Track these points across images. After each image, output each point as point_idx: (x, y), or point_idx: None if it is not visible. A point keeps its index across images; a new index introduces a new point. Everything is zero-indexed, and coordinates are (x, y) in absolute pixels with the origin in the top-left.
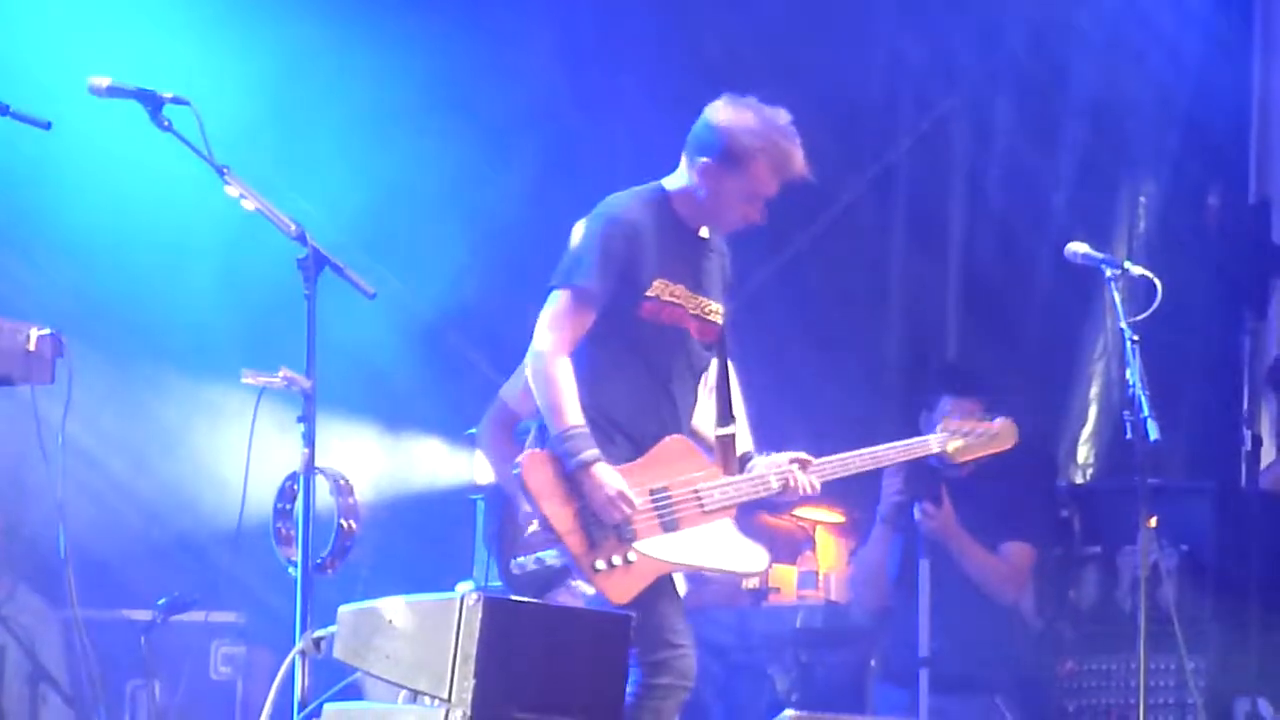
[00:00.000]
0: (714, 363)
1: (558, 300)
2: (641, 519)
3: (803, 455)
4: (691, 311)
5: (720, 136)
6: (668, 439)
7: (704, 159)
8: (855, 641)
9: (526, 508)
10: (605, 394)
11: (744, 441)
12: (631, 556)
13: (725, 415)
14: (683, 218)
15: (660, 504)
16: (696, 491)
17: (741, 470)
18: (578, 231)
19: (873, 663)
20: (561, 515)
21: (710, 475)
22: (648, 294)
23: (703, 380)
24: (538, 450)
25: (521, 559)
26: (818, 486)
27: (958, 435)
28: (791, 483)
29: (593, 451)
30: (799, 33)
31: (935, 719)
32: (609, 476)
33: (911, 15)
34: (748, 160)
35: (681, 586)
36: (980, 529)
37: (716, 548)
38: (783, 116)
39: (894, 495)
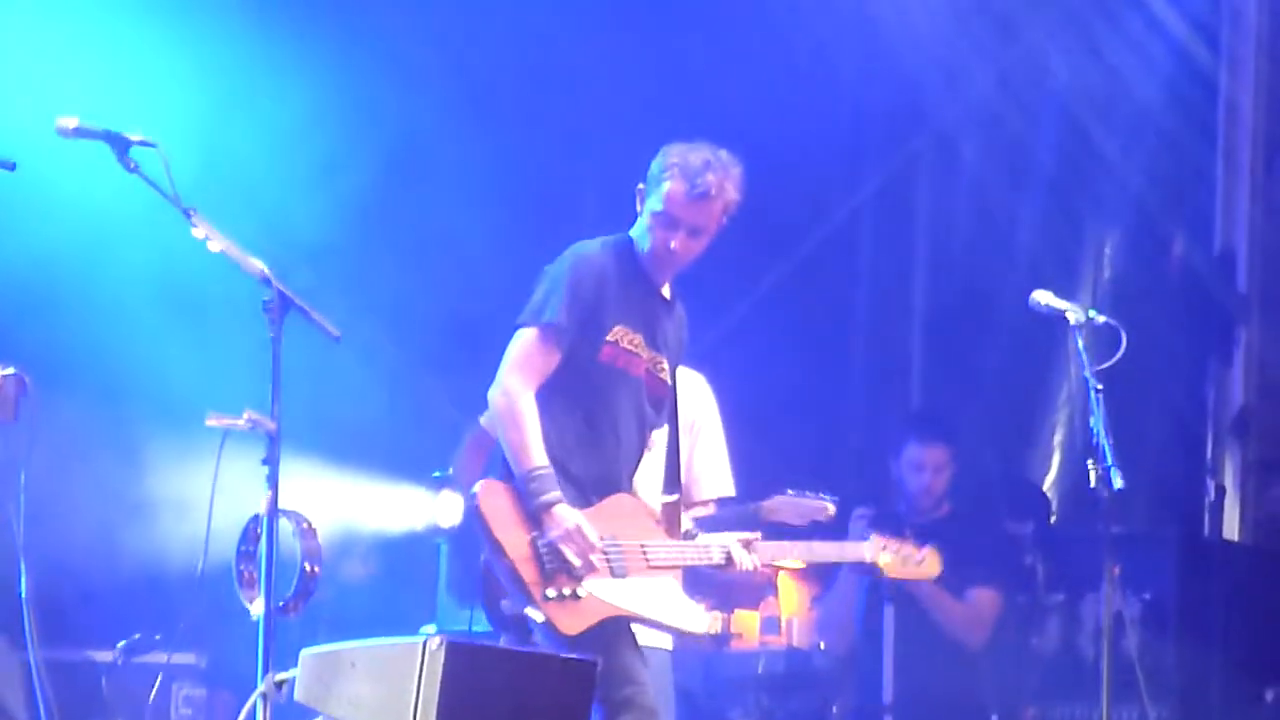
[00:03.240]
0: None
1: (525, 337)
2: (594, 560)
3: (748, 536)
4: (646, 364)
5: (654, 163)
6: (618, 496)
7: (640, 186)
8: (817, 687)
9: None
10: (561, 437)
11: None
12: (581, 592)
13: (672, 483)
14: (645, 270)
15: (610, 551)
16: (643, 546)
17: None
18: (547, 273)
19: (834, 708)
20: (516, 542)
21: (656, 534)
22: (608, 338)
23: (650, 442)
24: (494, 479)
25: (509, 600)
26: (759, 565)
27: (888, 550)
28: (734, 558)
29: (555, 494)
30: (767, 75)
31: None
32: (573, 515)
33: (878, 59)
34: (662, 178)
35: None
36: (946, 575)
37: (661, 601)
38: (719, 152)
39: None
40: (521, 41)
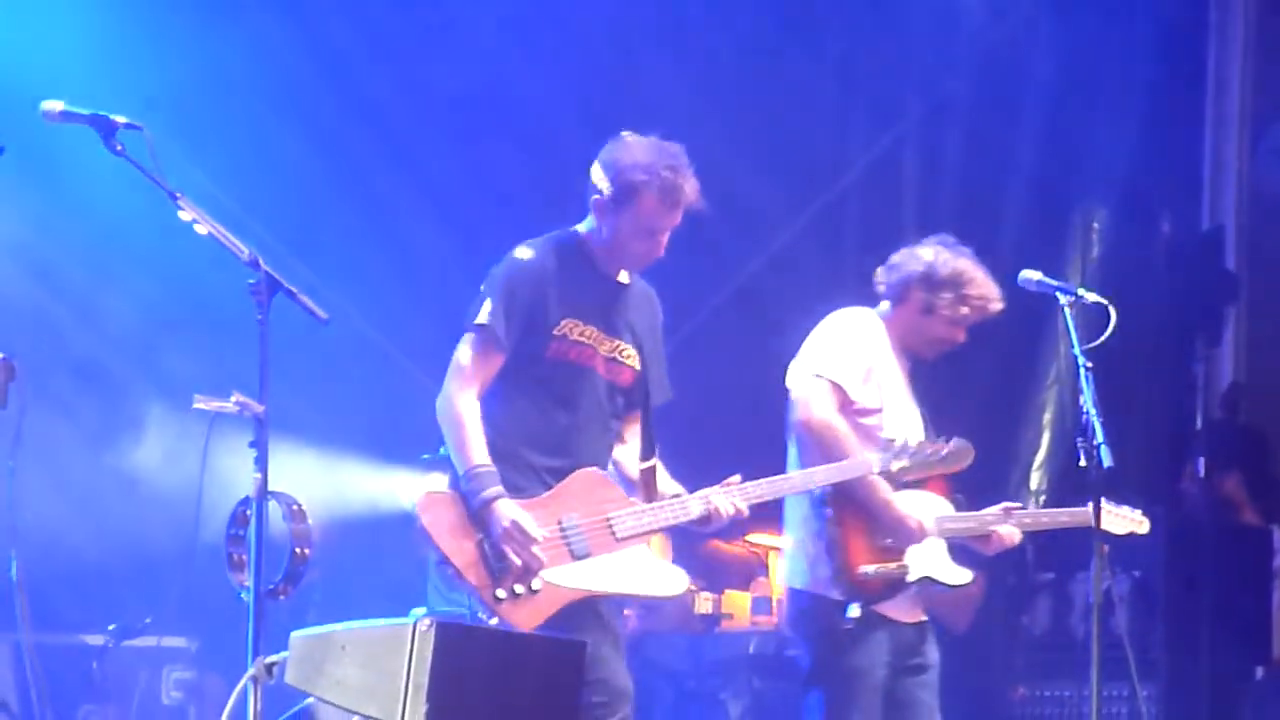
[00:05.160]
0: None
1: (464, 342)
2: (548, 548)
3: (734, 479)
4: (603, 353)
5: (609, 173)
6: (580, 471)
7: (596, 196)
8: None
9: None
10: (516, 430)
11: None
12: (535, 585)
13: (648, 450)
14: (597, 261)
15: (570, 533)
16: (608, 520)
17: None
18: (488, 277)
19: None
20: (459, 549)
21: (624, 505)
22: (555, 333)
23: (630, 420)
24: (432, 491)
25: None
26: (743, 508)
27: (903, 455)
28: (712, 507)
29: (495, 489)
30: (750, 61)
31: None
32: (510, 511)
33: (863, 43)
34: (635, 194)
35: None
36: None
37: (630, 573)
38: (672, 149)
39: None
40: (507, 31)
